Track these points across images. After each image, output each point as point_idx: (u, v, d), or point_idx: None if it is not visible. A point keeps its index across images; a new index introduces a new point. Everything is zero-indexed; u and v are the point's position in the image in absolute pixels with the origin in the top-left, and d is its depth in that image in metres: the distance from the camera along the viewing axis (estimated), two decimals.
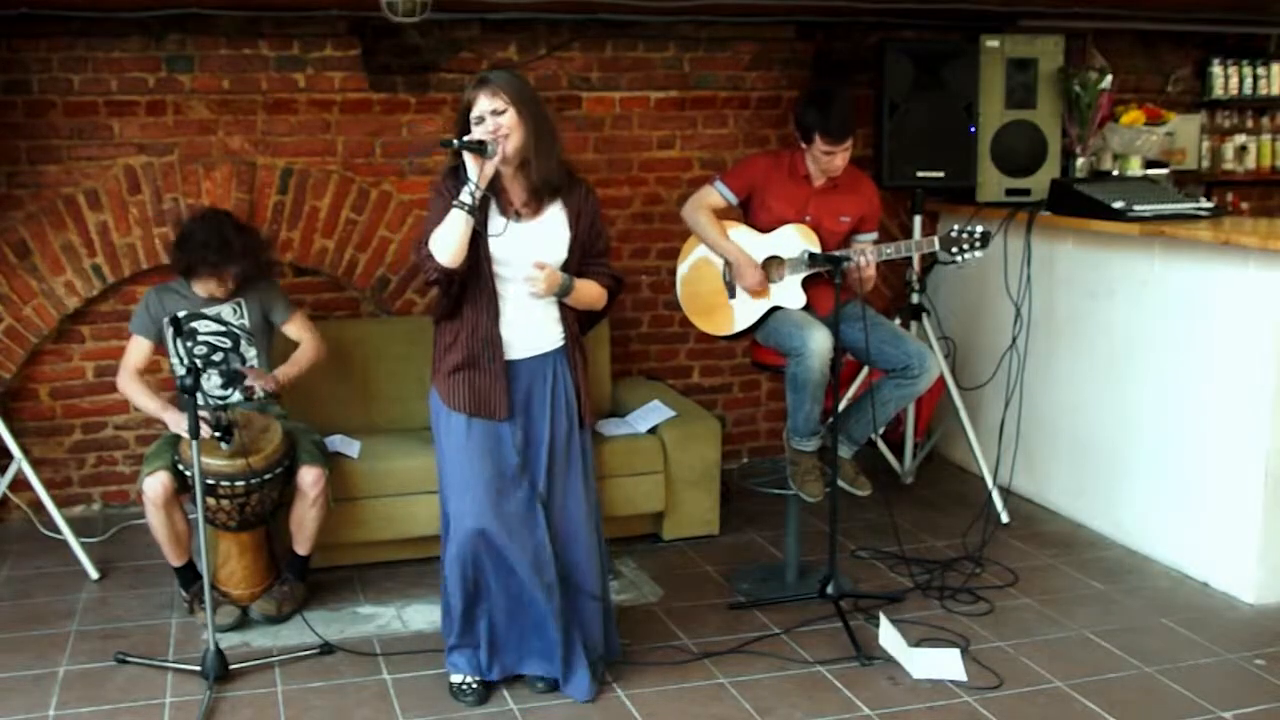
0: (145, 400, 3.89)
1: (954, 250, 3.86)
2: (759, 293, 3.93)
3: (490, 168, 3.04)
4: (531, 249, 3.15)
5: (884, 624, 3.61)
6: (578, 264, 3.25)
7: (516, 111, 3.06)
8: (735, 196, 4.00)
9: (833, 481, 3.85)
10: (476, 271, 3.13)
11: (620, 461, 4.34)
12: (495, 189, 3.14)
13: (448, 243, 3.03)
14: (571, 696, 3.32)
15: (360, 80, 4.77)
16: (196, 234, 3.85)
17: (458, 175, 3.07)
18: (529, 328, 3.22)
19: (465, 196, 3.02)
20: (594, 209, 3.27)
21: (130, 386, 3.92)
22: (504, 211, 3.16)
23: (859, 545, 4.49)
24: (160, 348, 3.97)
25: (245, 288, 3.96)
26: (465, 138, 3.02)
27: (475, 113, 3.06)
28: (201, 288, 3.89)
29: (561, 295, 3.20)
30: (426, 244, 3.07)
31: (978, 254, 3.85)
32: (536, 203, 3.17)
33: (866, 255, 3.78)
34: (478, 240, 3.08)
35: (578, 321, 3.34)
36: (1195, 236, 4.09)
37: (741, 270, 3.92)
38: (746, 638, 3.70)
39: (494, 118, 3.05)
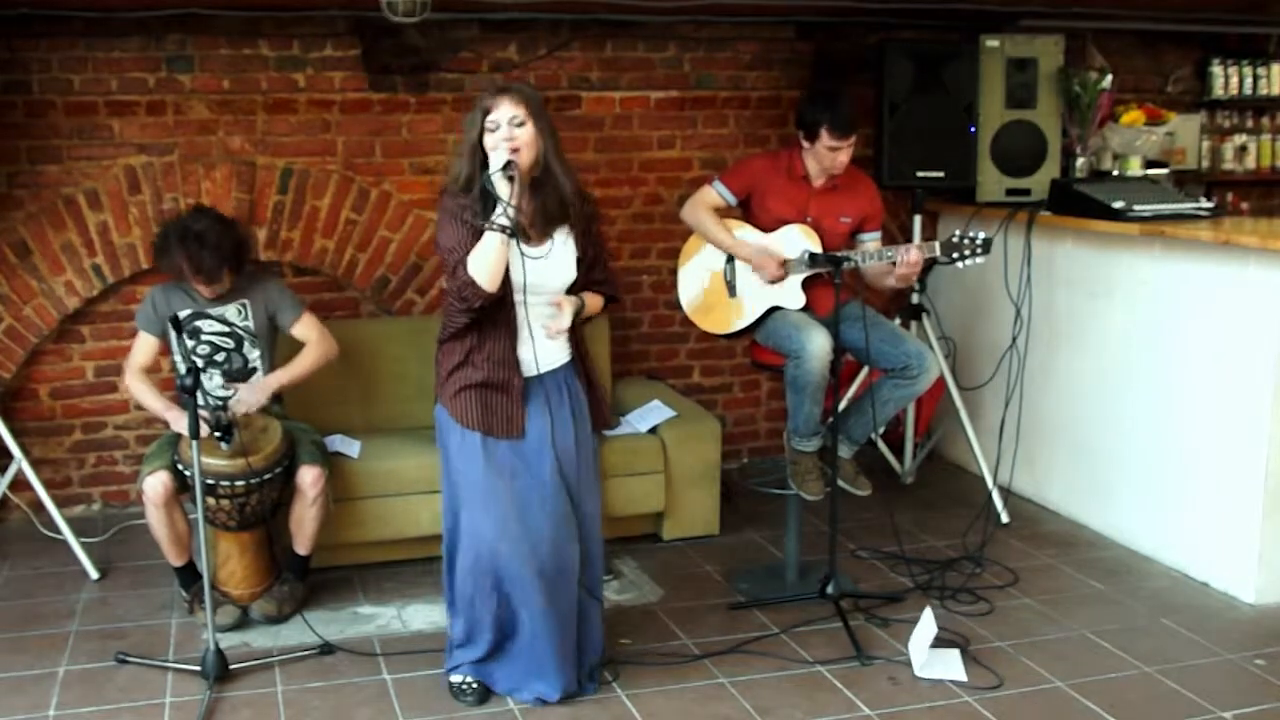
0: (150, 399, 3.88)
1: (955, 256, 3.85)
2: (780, 278, 3.91)
3: (519, 184, 3.01)
4: (547, 272, 3.15)
5: (927, 616, 3.57)
6: (582, 278, 3.24)
7: (535, 126, 3.04)
8: (734, 197, 4.00)
9: (833, 481, 3.86)
10: (505, 295, 3.11)
11: (620, 461, 4.34)
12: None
13: (488, 266, 2.99)
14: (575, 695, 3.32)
15: (360, 80, 4.77)
16: (167, 236, 3.83)
17: (469, 196, 3.05)
18: (545, 346, 3.21)
19: (502, 219, 2.97)
20: (596, 226, 3.26)
21: (136, 384, 3.90)
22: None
23: (859, 545, 4.49)
24: (164, 345, 3.96)
25: (248, 289, 3.95)
26: (500, 164, 2.97)
27: (492, 117, 3.03)
28: (211, 289, 3.88)
29: (577, 318, 3.19)
30: (465, 270, 3.01)
31: (979, 260, 3.85)
32: (545, 223, 3.15)
33: (912, 249, 3.76)
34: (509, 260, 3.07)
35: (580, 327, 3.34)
36: (1195, 236, 4.09)
37: (759, 264, 3.90)
38: (746, 638, 3.71)
39: (511, 126, 3.02)
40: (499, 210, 2.98)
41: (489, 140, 3.04)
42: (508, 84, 3.10)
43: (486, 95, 3.07)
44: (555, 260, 3.16)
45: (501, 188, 2.98)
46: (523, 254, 3.09)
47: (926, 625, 3.54)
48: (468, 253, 3.03)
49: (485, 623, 3.26)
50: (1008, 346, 4.81)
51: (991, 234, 3.96)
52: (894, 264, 3.80)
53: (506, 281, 3.08)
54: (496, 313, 3.13)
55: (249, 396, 3.83)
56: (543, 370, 3.23)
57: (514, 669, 3.30)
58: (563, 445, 3.23)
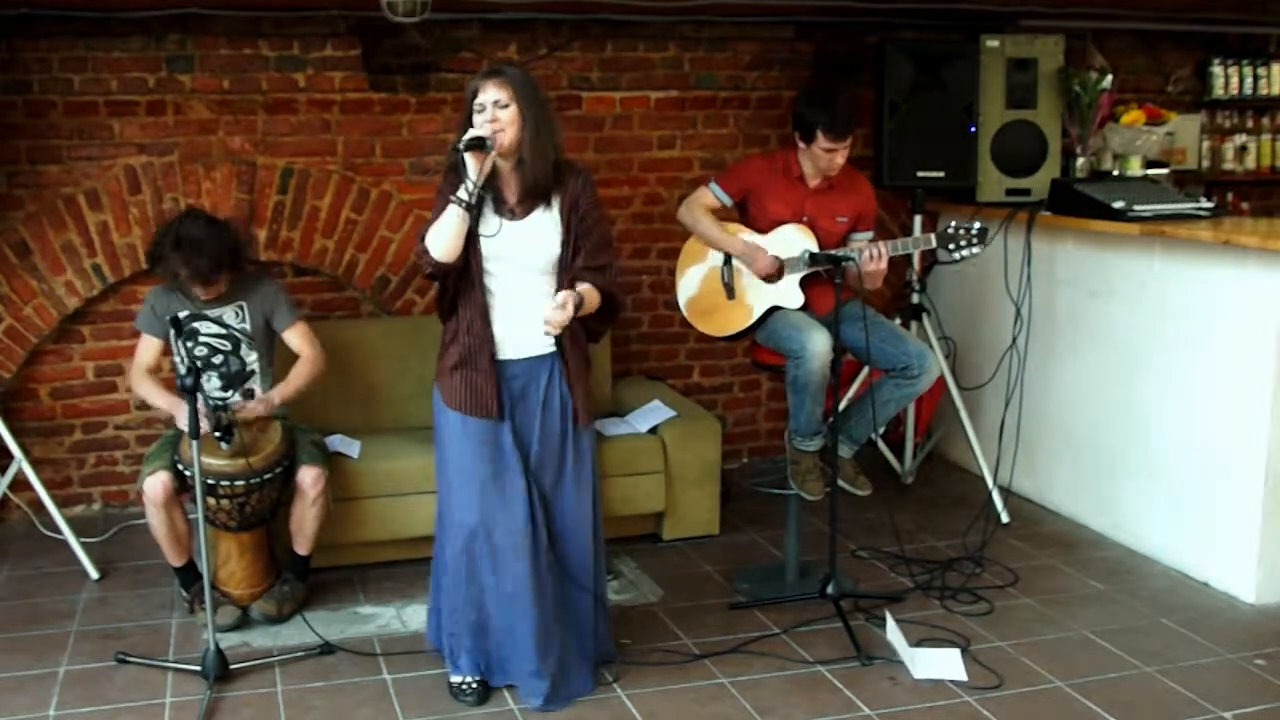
0: (157, 398, 3.87)
1: (951, 247, 3.86)
2: (773, 277, 3.91)
3: (488, 163, 3.06)
4: (524, 247, 3.16)
5: (890, 623, 3.61)
6: (572, 262, 3.21)
7: (519, 108, 3.08)
8: (730, 198, 4.00)
9: (833, 481, 3.86)
10: (468, 270, 3.14)
11: (620, 461, 4.33)
12: (492, 185, 3.15)
13: (442, 238, 3.06)
14: (571, 695, 3.32)
15: (360, 80, 4.77)
16: (161, 243, 3.83)
17: (457, 172, 3.09)
18: (522, 327, 3.21)
19: (462, 193, 3.04)
20: (590, 200, 3.24)
21: (143, 386, 3.90)
22: (498, 209, 3.17)
23: (859, 545, 4.49)
24: (166, 345, 3.96)
25: (246, 291, 3.95)
26: (464, 137, 3.04)
27: (479, 100, 3.08)
28: (207, 292, 3.87)
29: (579, 311, 3.16)
30: (424, 239, 3.10)
31: (975, 250, 3.85)
32: (530, 201, 3.18)
33: (880, 248, 3.77)
34: (471, 237, 3.10)
35: (583, 328, 3.32)
36: (1195, 236, 4.09)
37: (752, 257, 3.90)
38: (746, 638, 3.71)
39: (495, 109, 3.07)
40: (463, 185, 3.04)
41: (475, 120, 3.08)
42: (497, 67, 3.15)
43: (477, 77, 3.14)
44: (532, 233, 3.17)
45: (470, 165, 3.03)
46: (482, 233, 3.11)
47: (894, 630, 3.56)
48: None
49: (466, 604, 3.27)
50: (1008, 346, 4.81)
51: (992, 234, 3.95)
52: (870, 259, 3.77)
53: (475, 256, 3.12)
54: (471, 288, 3.16)
55: (255, 406, 3.81)
56: (519, 355, 3.22)
57: (494, 656, 3.31)
58: (527, 435, 3.23)
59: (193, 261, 3.75)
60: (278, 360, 4.05)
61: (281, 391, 3.90)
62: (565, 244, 3.20)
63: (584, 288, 3.20)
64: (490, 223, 3.15)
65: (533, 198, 3.18)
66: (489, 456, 3.20)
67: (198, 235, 3.77)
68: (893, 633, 3.58)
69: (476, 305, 3.18)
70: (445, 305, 3.22)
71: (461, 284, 3.17)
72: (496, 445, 3.21)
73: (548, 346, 3.25)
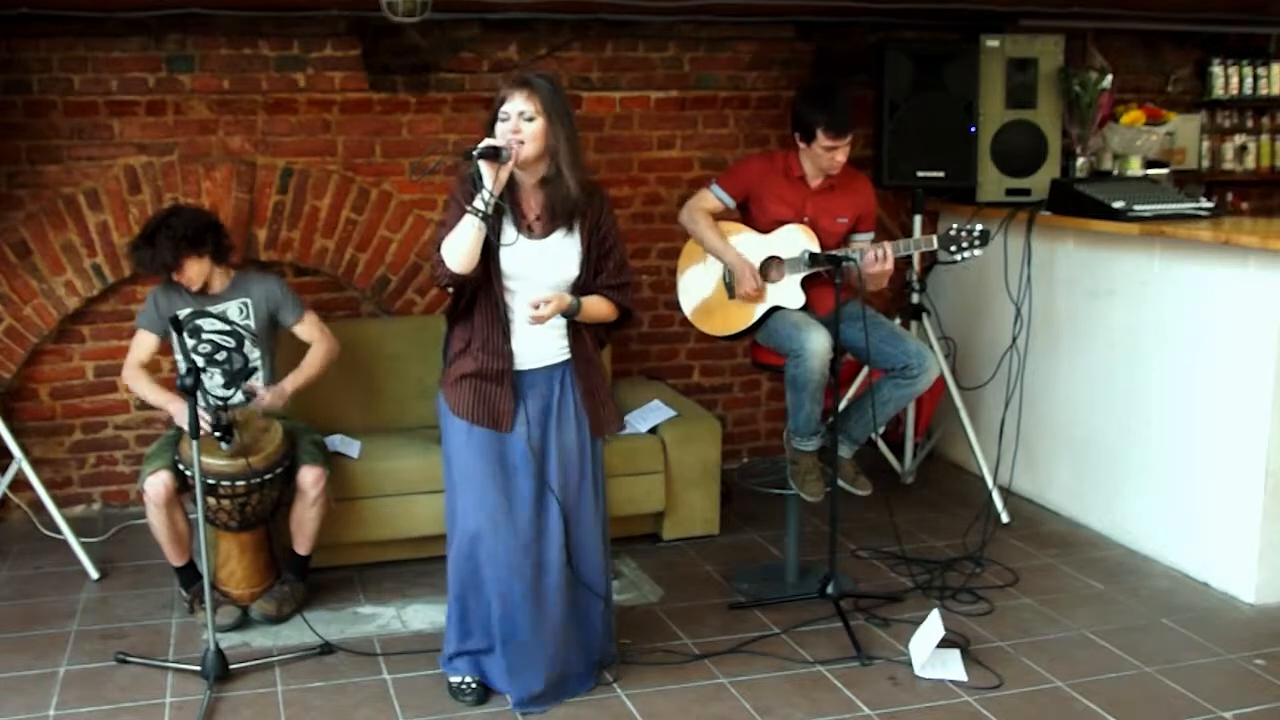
0: (149, 392, 3.88)
1: (953, 249, 3.86)
2: (755, 298, 3.93)
3: (505, 173, 3.00)
4: (543, 265, 3.13)
5: (934, 618, 3.56)
6: (594, 281, 3.21)
7: (547, 121, 3.02)
8: (732, 200, 4.00)
9: (833, 481, 3.86)
10: (487, 283, 3.11)
11: (620, 461, 4.33)
12: (512, 200, 3.11)
13: (459, 249, 3.00)
14: (568, 695, 3.33)
15: (360, 80, 4.77)
16: (141, 243, 3.86)
17: (473, 182, 3.04)
18: (537, 340, 3.20)
19: (478, 203, 2.98)
20: (610, 221, 3.22)
21: (134, 379, 3.91)
22: (517, 224, 3.13)
23: (859, 545, 4.49)
24: (166, 344, 3.96)
25: (250, 287, 3.95)
26: (480, 145, 2.97)
27: (505, 108, 3.03)
28: (185, 278, 3.85)
29: (569, 316, 3.17)
30: (439, 249, 3.05)
31: (976, 252, 3.86)
32: (553, 220, 3.14)
33: (885, 250, 3.77)
34: (490, 250, 3.06)
35: (592, 334, 3.31)
36: (1195, 236, 4.09)
37: (739, 276, 3.92)
38: (746, 638, 3.71)
39: (519, 119, 3.01)
40: (479, 196, 2.98)
41: (498, 129, 3.04)
42: (528, 76, 3.07)
43: (506, 84, 3.07)
44: (553, 253, 3.15)
45: (485, 174, 2.98)
46: (500, 243, 3.07)
47: (933, 626, 3.54)
48: (447, 234, 3.05)
49: (474, 614, 3.27)
50: (1008, 346, 4.81)
51: (992, 234, 3.96)
52: (875, 260, 3.77)
53: (494, 270, 3.09)
54: (489, 302, 3.14)
55: (271, 399, 3.82)
56: (534, 365, 3.21)
57: (499, 664, 3.30)
58: (542, 445, 3.22)
59: (157, 246, 3.77)
60: (280, 358, 4.05)
61: (294, 380, 3.91)
62: (585, 265, 3.18)
63: (589, 300, 3.19)
64: (507, 233, 3.10)
65: (558, 217, 3.13)
66: (493, 464, 3.19)
67: (151, 228, 3.83)
68: (932, 625, 3.53)
69: (495, 318, 3.14)
70: (459, 310, 3.19)
71: (481, 296, 3.13)
72: (502, 454, 3.19)
73: (561, 355, 3.25)
